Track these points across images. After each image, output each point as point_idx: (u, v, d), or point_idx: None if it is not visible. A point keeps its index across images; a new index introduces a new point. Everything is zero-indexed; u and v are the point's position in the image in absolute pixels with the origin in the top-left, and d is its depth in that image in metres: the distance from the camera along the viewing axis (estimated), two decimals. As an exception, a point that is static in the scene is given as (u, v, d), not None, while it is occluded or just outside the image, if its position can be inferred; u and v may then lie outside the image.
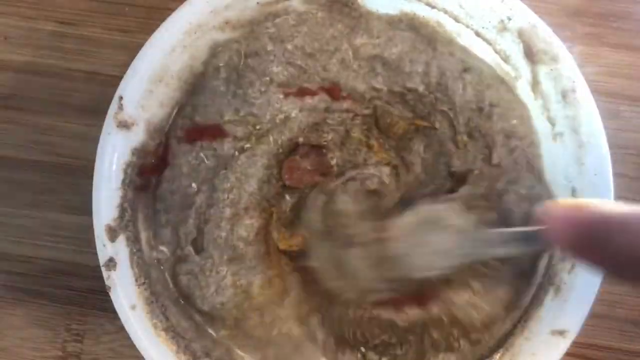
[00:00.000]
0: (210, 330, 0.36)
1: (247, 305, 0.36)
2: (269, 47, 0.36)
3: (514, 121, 0.36)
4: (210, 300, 0.36)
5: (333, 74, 0.36)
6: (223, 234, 0.36)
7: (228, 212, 0.36)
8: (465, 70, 0.36)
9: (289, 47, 0.36)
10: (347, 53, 0.36)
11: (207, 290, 0.36)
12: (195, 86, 0.36)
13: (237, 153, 0.36)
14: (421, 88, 0.36)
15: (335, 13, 0.36)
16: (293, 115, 0.36)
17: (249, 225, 0.36)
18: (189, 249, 0.36)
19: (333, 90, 0.36)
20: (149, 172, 0.36)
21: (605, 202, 0.26)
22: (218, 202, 0.36)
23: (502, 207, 0.35)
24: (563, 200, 0.28)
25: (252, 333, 0.36)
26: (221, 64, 0.36)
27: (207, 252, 0.36)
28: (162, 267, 0.36)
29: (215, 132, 0.36)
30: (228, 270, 0.36)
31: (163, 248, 0.36)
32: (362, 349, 0.36)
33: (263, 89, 0.36)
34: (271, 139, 0.36)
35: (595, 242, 0.23)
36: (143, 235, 0.36)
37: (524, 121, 0.36)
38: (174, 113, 0.36)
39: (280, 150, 0.37)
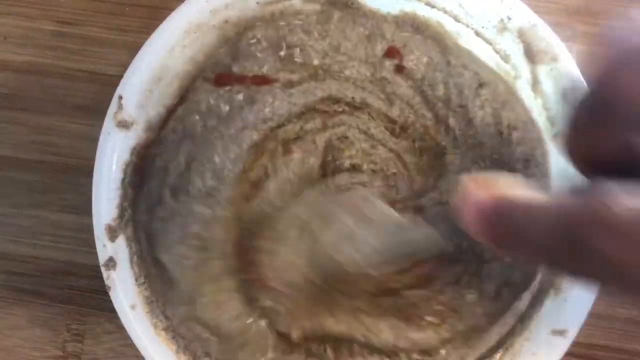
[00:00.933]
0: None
1: (203, 275, 0.35)
2: (308, 41, 0.35)
3: (531, 145, 0.35)
4: (171, 248, 0.35)
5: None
6: (217, 157, 0.35)
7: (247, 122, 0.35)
8: (481, 85, 0.35)
9: (326, 42, 0.36)
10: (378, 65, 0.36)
11: (170, 237, 0.35)
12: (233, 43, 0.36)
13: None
14: (452, 119, 0.36)
15: (343, 13, 0.36)
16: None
17: (249, 138, 0.35)
18: (167, 193, 0.35)
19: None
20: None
21: (510, 182, 0.24)
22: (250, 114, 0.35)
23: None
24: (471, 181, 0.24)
25: (204, 315, 0.35)
26: (259, 35, 0.35)
27: (189, 180, 0.35)
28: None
29: (258, 79, 0.35)
30: (198, 212, 0.35)
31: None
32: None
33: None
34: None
35: (508, 229, 0.22)
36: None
37: (541, 144, 0.35)
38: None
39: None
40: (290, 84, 0.35)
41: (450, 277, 0.35)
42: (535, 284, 0.36)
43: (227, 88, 0.35)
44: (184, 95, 0.36)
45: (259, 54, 0.35)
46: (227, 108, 0.35)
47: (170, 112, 0.36)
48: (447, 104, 0.35)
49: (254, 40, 0.35)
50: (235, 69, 0.35)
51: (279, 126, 0.35)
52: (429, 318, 0.35)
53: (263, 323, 0.36)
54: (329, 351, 0.36)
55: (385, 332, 0.35)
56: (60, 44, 0.42)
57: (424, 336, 0.35)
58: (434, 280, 0.35)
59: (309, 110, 0.36)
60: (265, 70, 0.35)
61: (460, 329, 0.35)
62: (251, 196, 0.35)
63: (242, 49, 0.35)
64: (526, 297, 0.36)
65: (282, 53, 0.35)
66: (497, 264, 0.35)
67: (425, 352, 0.36)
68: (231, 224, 0.35)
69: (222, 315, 0.35)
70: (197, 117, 0.35)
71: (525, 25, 0.35)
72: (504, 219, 0.22)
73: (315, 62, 0.35)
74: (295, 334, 0.36)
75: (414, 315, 0.35)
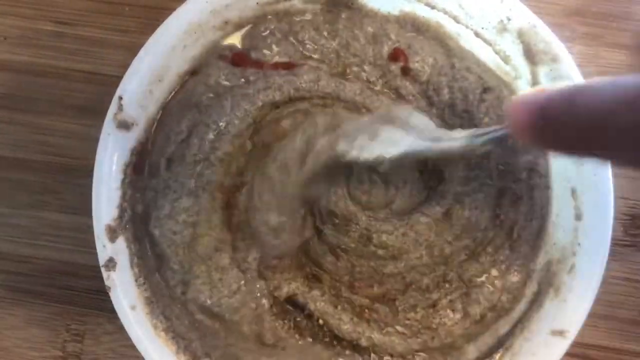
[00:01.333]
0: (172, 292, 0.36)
1: (194, 254, 0.35)
2: (321, 41, 0.36)
3: (535, 153, 0.36)
4: (162, 222, 0.35)
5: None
6: (223, 116, 0.35)
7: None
8: (485, 90, 0.36)
9: (336, 42, 0.36)
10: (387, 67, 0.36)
11: (161, 211, 0.35)
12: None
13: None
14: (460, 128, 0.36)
15: (347, 13, 0.36)
16: None
17: (252, 107, 0.36)
18: (163, 163, 0.36)
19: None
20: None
21: (558, 83, 0.26)
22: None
23: None
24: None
25: (200, 294, 0.35)
26: (272, 27, 0.36)
27: (188, 145, 0.35)
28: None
29: (280, 65, 0.36)
30: (187, 184, 0.35)
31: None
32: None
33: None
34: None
35: (549, 121, 0.24)
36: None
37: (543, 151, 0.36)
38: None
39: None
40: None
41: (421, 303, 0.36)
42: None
43: (243, 69, 0.36)
44: (196, 70, 0.36)
45: (274, 45, 0.36)
46: (243, 80, 0.36)
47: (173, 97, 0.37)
48: (452, 109, 0.36)
49: (266, 33, 0.36)
50: (253, 55, 0.36)
51: (297, 99, 0.36)
52: (398, 327, 0.36)
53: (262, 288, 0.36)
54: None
55: (346, 322, 0.36)
56: (59, 44, 0.42)
57: (388, 341, 0.35)
58: (397, 301, 0.36)
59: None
60: (285, 58, 0.36)
61: (434, 345, 0.36)
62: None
63: (257, 39, 0.36)
64: (525, 300, 0.36)
65: (297, 45, 0.36)
66: (486, 289, 0.36)
67: (400, 355, 0.36)
68: (218, 189, 0.36)
69: (219, 293, 0.35)
70: (205, 88, 0.36)
71: (525, 26, 0.35)
72: (551, 108, 0.23)
73: (335, 59, 0.36)
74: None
75: (378, 320, 0.36)
